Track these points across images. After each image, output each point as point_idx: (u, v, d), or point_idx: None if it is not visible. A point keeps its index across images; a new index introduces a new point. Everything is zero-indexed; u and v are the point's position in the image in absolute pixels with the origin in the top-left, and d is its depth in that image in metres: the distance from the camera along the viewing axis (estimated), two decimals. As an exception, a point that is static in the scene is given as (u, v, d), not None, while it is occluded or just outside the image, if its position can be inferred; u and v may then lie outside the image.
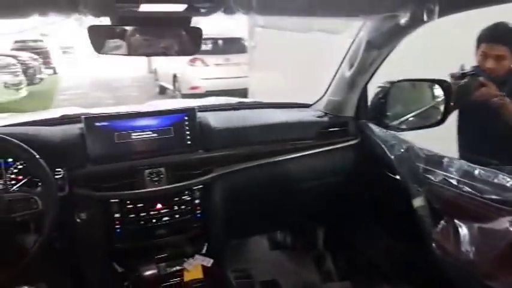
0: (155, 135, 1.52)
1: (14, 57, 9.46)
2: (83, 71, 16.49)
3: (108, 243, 1.50)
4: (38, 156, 1.22)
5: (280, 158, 1.72)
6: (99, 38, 1.23)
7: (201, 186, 1.58)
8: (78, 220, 1.43)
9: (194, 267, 1.54)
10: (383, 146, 1.67)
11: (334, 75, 1.89)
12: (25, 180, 1.44)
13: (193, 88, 8.01)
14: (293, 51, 5.54)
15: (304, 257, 2.33)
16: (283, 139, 1.76)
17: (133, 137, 1.50)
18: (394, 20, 1.34)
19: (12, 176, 1.44)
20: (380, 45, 1.58)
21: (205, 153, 1.59)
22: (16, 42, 14.77)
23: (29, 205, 1.19)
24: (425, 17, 1.19)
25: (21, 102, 8.05)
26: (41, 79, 11.58)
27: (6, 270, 1.12)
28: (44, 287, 1.87)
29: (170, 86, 9.28)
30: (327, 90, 1.98)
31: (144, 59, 16.05)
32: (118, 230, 1.49)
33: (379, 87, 1.87)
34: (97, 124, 1.45)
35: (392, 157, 1.60)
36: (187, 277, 1.52)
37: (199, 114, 1.61)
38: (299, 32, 3.52)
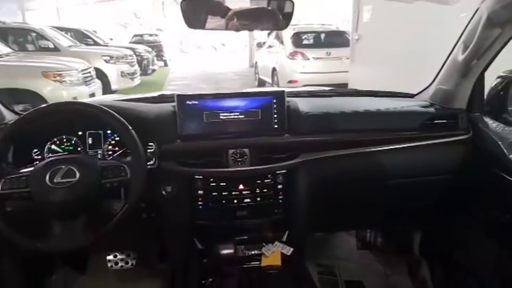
0: (242, 116, 1.50)
1: (132, 49, 10.33)
2: (190, 64, 17.52)
3: (190, 219, 1.52)
4: (130, 128, 1.26)
5: (375, 149, 1.57)
6: (191, 12, 1.24)
7: (284, 171, 1.51)
8: (163, 193, 1.46)
9: (273, 254, 1.49)
10: (500, 143, 1.45)
11: (445, 60, 1.68)
12: (120, 151, 1.53)
13: (291, 82, 7.95)
14: (400, 45, 5.19)
15: (395, 261, 2.15)
16: (380, 128, 1.61)
17: (222, 117, 1.49)
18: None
19: (110, 147, 1.53)
20: (503, 22, 1.34)
21: (291, 138, 1.52)
22: (135, 36, 16.31)
23: (118, 172, 1.23)
24: None
25: (134, 90, 8.77)
26: (153, 70, 12.50)
27: (95, 231, 1.17)
28: (133, 255, 1.99)
29: (269, 80, 9.37)
30: (435, 78, 1.78)
31: (246, 53, 16.63)
32: (200, 207, 1.50)
33: (500, 76, 1.63)
34: (188, 102, 1.47)
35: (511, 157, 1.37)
36: (264, 262, 1.47)
37: (288, 98, 1.55)
38: (404, 1, 3.22)
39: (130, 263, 2.00)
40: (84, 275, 1.99)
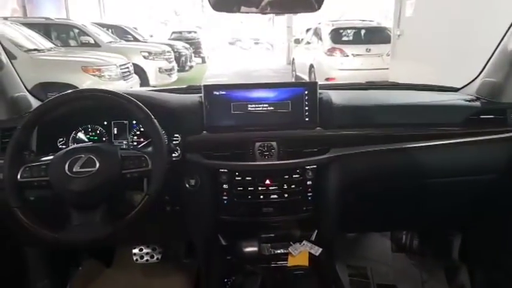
0: (271, 108, 1.43)
1: (170, 45, 10.44)
2: (228, 61, 17.60)
3: (214, 214, 1.47)
4: (152, 116, 1.21)
5: (414, 145, 1.46)
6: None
7: (315, 166, 1.43)
8: (187, 186, 1.41)
9: (300, 254, 1.41)
10: None
11: (494, 51, 1.54)
12: (145, 142, 1.49)
13: (328, 79, 7.76)
14: (446, 41, 4.93)
15: (433, 266, 2.01)
16: (419, 123, 1.50)
17: (250, 108, 1.43)
18: None
19: (135, 138, 1.50)
20: None
21: (323, 131, 1.44)
22: (173, 33, 16.55)
23: (139, 163, 1.18)
24: None
25: (171, 86, 8.85)
26: (191, 67, 12.58)
27: (113, 224, 1.13)
28: (159, 249, 1.96)
29: (306, 77, 9.22)
30: (482, 70, 1.64)
31: (284, 50, 16.50)
32: (225, 202, 1.44)
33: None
34: (215, 93, 1.42)
35: None
36: (291, 262, 1.39)
37: (320, 90, 1.46)
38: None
39: (155, 257, 1.98)
40: (109, 268, 1.99)
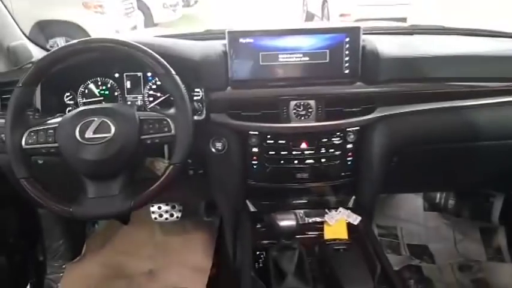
0: (306, 58, 1.22)
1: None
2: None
3: (242, 179, 1.33)
4: (173, 73, 1.03)
5: (470, 103, 1.28)
6: None
7: (357, 128, 1.26)
8: (213, 150, 1.26)
9: (337, 223, 1.27)
10: None
11: None
12: (163, 97, 1.32)
13: (343, 15, 7.31)
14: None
15: (468, 227, 1.90)
16: (476, 77, 1.30)
17: (281, 59, 1.22)
18: None
19: (151, 92, 1.32)
20: None
21: (366, 87, 1.24)
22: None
23: (160, 127, 1.02)
24: None
25: (176, 24, 8.41)
26: (196, 1, 11.95)
27: (133, 197, 0.99)
28: (178, 207, 1.86)
29: (318, 13, 8.71)
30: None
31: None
32: (254, 167, 1.30)
33: None
34: (242, 41, 1.21)
35: None
36: (328, 235, 1.25)
37: (363, 37, 1.24)
38: None
39: (175, 216, 1.88)
40: (127, 226, 1.90)
